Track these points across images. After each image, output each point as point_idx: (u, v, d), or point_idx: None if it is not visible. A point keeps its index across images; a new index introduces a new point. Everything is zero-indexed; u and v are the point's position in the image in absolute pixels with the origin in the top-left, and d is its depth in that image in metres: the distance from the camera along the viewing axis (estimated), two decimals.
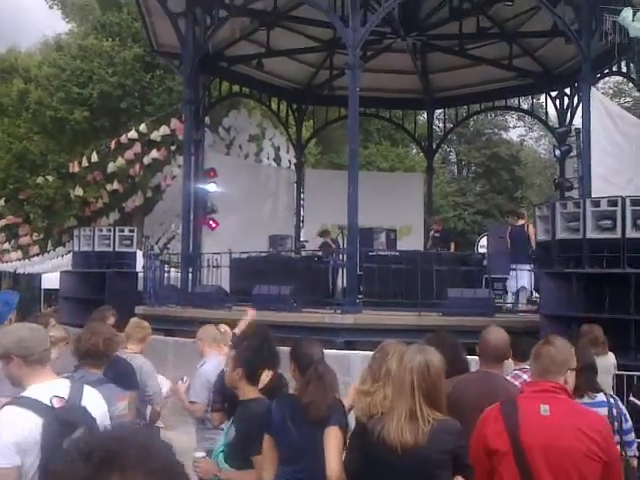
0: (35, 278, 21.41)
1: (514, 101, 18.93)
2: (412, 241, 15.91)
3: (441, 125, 24.50)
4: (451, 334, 4.66)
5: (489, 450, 3.07)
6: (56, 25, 41.06)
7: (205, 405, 5.29)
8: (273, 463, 3.73)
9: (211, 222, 14.99)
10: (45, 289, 19.46)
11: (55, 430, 2.82)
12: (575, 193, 12.61)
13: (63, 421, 2.87)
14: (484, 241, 16.77)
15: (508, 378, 4.51)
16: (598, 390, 4.39)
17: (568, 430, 2.97)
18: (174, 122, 17.31)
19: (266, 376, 4.07)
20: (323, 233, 14.26)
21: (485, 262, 12.11)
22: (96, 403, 3.18)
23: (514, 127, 41.82)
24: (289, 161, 18.96)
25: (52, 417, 2.88)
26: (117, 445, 0.99)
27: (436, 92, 18.32)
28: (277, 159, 19.18)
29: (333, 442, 3.54)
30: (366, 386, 3.92)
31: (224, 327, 5.97)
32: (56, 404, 2.95)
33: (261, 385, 4.46)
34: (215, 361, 5.32)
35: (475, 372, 4.23)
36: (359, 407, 3.85)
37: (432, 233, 14.30)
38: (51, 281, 17.52)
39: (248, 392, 3.87)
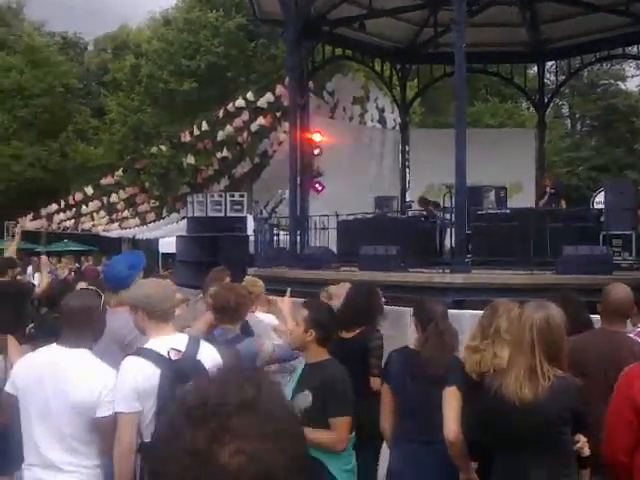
0: (153, 243, 22.50)
1: (632, 49, 17.71)
2: (523, 199, 15.37)
3: (553, 78, 23.37)
4: (574, 292, 4.53)
5: (639, 409, 2.93)
6: (163, 0, 42.23)
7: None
8: (392, 412, 3.80)
9: (317, 185, 15.13)
10: (162, 253, 20.40)
11: (171, 380, 3.04)
12: None
13: (178, 372, 3.06)
14: (600, 197, 15.96)
15: (631, 336, 4.33)
16: None
17: None
18: (279, 88, 17.51)
19: None
20: (422, 201, 13.91)
21: (602, 218, 11.54)
22: (211, 357, 3.33)
23: (632, 76, 39.26)
24: (394, 121, 18.74)
25: (168, 368, 3.11)
26: (227, 407, 0.95)
27: (547, 44, 17.43)
28: (382, 120, 19.01)
29: (452, 402, 3.52)
30: (475, 342, 3.86)
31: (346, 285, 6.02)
32: (173, 356, 3.17)
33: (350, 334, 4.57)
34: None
35: (597, 329, 4.09)
36: (469, 363, 3.81)
37: (547, 189, 13.78)
38: (168, 245, 18.32)
39: (318, 354, 3.70)
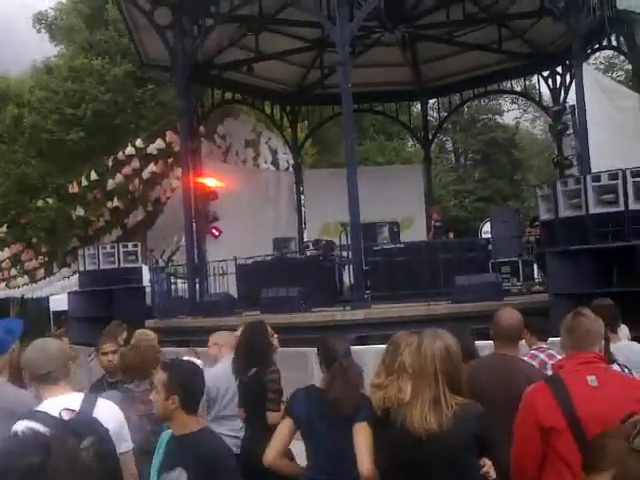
0: (43, 301, 21.50)
1: (507, 84, 18.91)
2: (415, 233, 15.89)
3: (435, 115, 24.48)
4: (459, 324, 4.66)
5: (543, 429, 2.99)
6: (45, 48, 41.06)
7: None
8: (282, 443, 3.74)
9: (214, 230, 15.01)
10: (54, 311, 19.54)
11: (61, 440, 2.86)
12: (575, 171, 12.57)
13: (70, 431, 2.88)
14: (487, 227, 16.73)
15: (525, 359, 4.50)
16: (612, 360, 4.37)
17: (622, 399, 2.89)
18: (169, 134, 17.35)
19: None
20: (315, 243, 14.10)
21: (490, 247, 12.08)
22: (109, 413, 3.25)
23: (508, 110, 41.75)
24: (287, 162, 18.97)
25: (60, 428, 2.94)
26: (12, 473, 0.92)
27: (428, 82, 18.30)
28: (275, 162, 19.19)
29: (363, 438, 3.53)
30: (380, 379, 3.97)
31: (237, 333, 5.96)
32: (65, 416, 3.05)
33: None
34: (226, 365, 5.31)
35: (490, 355, 4.21)
36: (374, 400, 3.89)
37: (433, 223, 14.30)
38: (59, 303, 17.58)
39: (188, 423, 3.24)
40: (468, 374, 3.62)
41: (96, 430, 2.98)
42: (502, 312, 4.22)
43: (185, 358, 5.67)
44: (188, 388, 3.25)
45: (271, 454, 3.76)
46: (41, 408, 3.10)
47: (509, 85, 19.16)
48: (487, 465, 3.29)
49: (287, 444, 3.80)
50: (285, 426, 3.77)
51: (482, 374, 3.88)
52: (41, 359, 3.24)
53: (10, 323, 4.58)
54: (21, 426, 2.93)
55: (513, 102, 40.51)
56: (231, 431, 4.99)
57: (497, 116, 40.94)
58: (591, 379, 3.00)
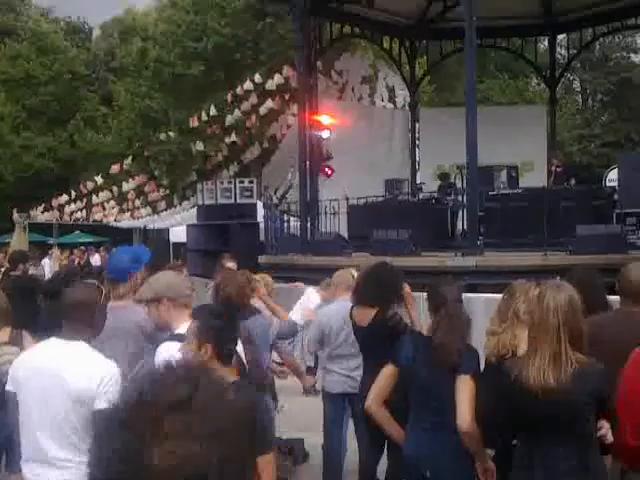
0: (163, 232, 22.50)
1: None
2: (535, 178, 15.19)
3: (564, 52, 23.03)
4: (591, 271, 4.44)
5: None
6: None
7: (315, 345, 5.43)
8: (384, 389, 3.73)
9: (327, 169, 15.03)
10: (173, 242, 20.43)
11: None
12: None
13: None
14: (613, 174, 15.74)
15: None
16: None
17: None
18: (287, 70, 17.36)
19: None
20: (442, 176, 13.91)
21: (616, 196, 11.37)
22: None
23: None
24: (404, 99, 18.55)
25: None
26: (159, 407, 0.92)
27: (558, 15, 17.12)
28: (392, 99, 18.82)
29: (465, 391, 3.47)
30: (494, 326, 3.94)
31: (354, 271, 5.96)
32: None
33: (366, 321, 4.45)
34: (340, 304, 5.33)
35: (615, 311, 4.01)
36: (487, 347, 3.89)
37: (554, 168, 13.62)
38: (178, 235, 18.32)
39: (223, 375, 2.99)
40: (591, 330, 3.47)
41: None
42: (632, 266, 4.00)
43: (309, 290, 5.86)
44: (222, 335, 2.97)
45: (371, 400, 3.79)
46: (181, 331, 3.24)
47: None
48: (605, 428, 3.15)
49: (388, 390, 3.79)
50: (388, 373, 3.76)
51: (604, 331, 3.71)
52: (184, 283, 3.43)
53: (138, 251, 4.79)
54: (167, 350, 3.11)
55: None
56: (344, 369, 5.08)
57: (632, 54, 38.00)
58: None
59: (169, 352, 3.10)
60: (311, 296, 8.39)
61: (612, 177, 15.70)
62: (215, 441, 0.91)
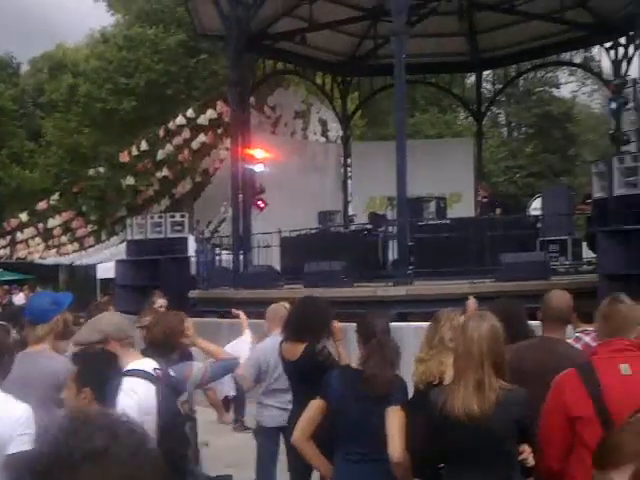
0: (91, 268, 22.00)
1: (566, 56, 18.25)
2: (463, 208, 15.59)
3: (489, 87, 23.91)
4: (514, 300, 4.54)
5: (571, 417, 2.93)
6: (101, 18, 41.64)
7: (252, 381, 5.37)
8: (311, 423, 3.68)
9: (259, 202, 15.02)
10: (101, 279, 19.97)
11: (168, 396, 3.30)
12: (632, 147, 12.09)
13: (171, 387, 3.35)
14: (537, 203, 16.30)
15: (569, 342, 4.34)
16: None
17: None
18: (220, 105, 17.39)
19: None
20: (370, 215, 14.06)
21: (539, 224, 11.75)
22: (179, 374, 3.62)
23: (566, 83, 40.48)
24: (337, 133, 18.81)
25: (162, 384, 3.30)
26: (75, 457, 0.89)
27: (484, 52, 17.79)
28: (324, 133, 19.05)
29: (396, 422, 3.46)
30: (422, 354, 4.04)
31: (287, 305, 5.93)
32: (157, 374, 3.34)
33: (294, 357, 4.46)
34: (274, 339, 5.29)
35: (536, 338, 4.09)
36: (416, 374, 3.97)
37: (480, 199, 14.03)
38: (106, 271, 17.93)
39: None
40: (514, 356, 3.53)
41: (182, 388, 3.36)
42: (553, 293, 4.12)
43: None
44: (101, 379, 3.00)
45: (298, 433, 3.74)
46: (135, 367, 3.30)
47: (568, 57, 18.45)
48: (526, 452, 3.21)
49: (315, 424, 3.74)
50: (316, 406, 3.71)
51: (526, 357, 3.79)
52: (127, 323, 3.49)
53: (60, 295, 4.69)
54: (128, 385, 3.15)
55: (571, 74, 39.25)
56: (281, 404, 5.04)
57: (553, 89, 39.75)
58: (624, 367, 2.92)
59: (133, 386, 3.20)
60: (244, 346, 8.09)
61: (536, 206, 16.25)
62: None
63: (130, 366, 3.32)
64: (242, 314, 7.16)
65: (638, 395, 2.72)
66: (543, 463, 3.06)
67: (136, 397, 3.16)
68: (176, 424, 3.43)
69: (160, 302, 6.49)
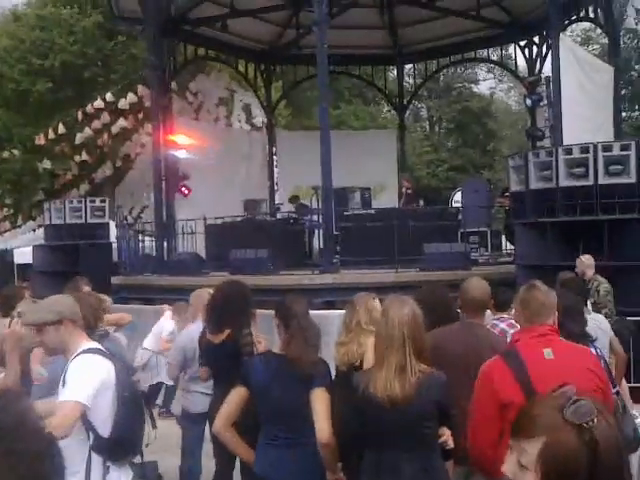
0: (7, 253, 21.15)
1: (483, 53, 18.81)
2: (386, 200, 15.87)
3: (411, 81, 24.36)
4: (437, 287, 4.69)
5: (501, 403, 2.97)
6: None
7: (178, 367, 5.42)
8: (233, 411, 3.69)
9: (183, 189, 14.81)
10: (18, 264, 19.23)
11: (125, 373, 3.44)
12: (547, 142, 12.64)
13: (125, 366, 3.55)
14: (458, 196, 16.81)
15: (489, 327, 4.54)
16: (588, 337, 4.40)
17: (577, 370, 2.93)
18: (141, 89, 16.97)
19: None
20: (292, 199, 14.16)
21: (460, 216, 12.14)
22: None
23: (484, 80, 41.67)
24: (262, 122, 18.72)
25: (118, 362, 3.42)
26: None
27: (405, 47, 18.13)
28: (249, 120, 18.93)
29: (322, 404, 3.48)
30: (341, 338, 4.24)
31: (211, 291, 5.92)
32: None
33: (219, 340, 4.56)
34: (199, 325, 5.28)
35: (457, 323, 4.23)
36: (337, 357, 4.09)
37: (404, 190, 14.34)
38: (24, 256, 17.27)
39: None
40: (434, 342, 3.64)
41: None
42: (470, 282, 4.24)
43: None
44: None
45: (219, 422, 3.71)
46: (91, 346, 3.40)
47: (485, 54, 19.03)
48: (446, 434, 3.32)
49: (237, 413, 3.71)
50: (237, 394, 3.67)
51: (448, 342, 3.90)
52: (78, 306, 3.52)
53: None
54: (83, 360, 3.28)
55: (489, 71, 40.45)
56: (207, 389, 5.05)
57: (472, 85, 40.87)
58: (547, 352, 3.01)
59: (98, 362, 3.29)
60: (165, 324, 8.28)
61: (457, 199, 16.77)
62: (12, 458, 0.92)
63: (85, 346, 3.37)
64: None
65: (563, 378, 2.80)
66: (476, 450, 3.11)
67: (101, 374, 3.26)
68: (135, 400, 3.46)
69: (86, 289, 6.36)
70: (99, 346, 3.46)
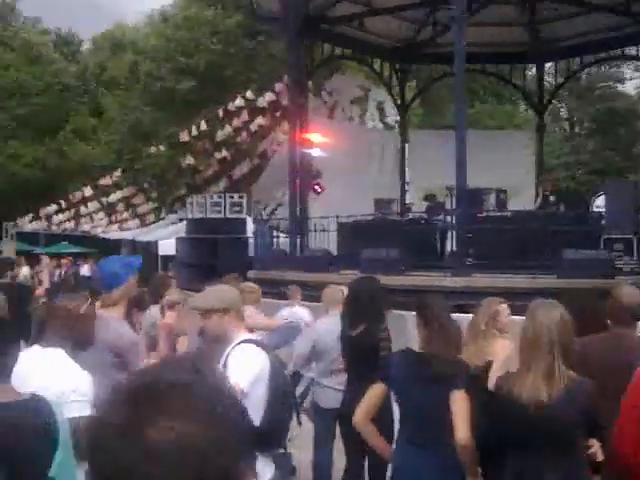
0: (152, 245, 22.44)
1: (631, 50, 17.72)
2: (522, 202, 15.34)
3: (551, 80, 23.38)
4: (588, 294, 4.52)
5: None
6: None
7: (306, 359, 5.55)
8: (372, 406, 3.72)
9: (316, 186, 15.09)
10: (161, 255, 20.35)
11: (278, 367, 3.52)
12: None
13: (276, 358, 3.58)
14: (600, 200, 15.93)
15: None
16: None
17: None
18: (278, 87, 17.48)
19: None
20: (428, 197, 14.01)
21: (603, 222, 11.51)
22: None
23: (631, 79, 39.22)
24: (395, 121, 18.72)
25: (273, 356, 3.52)
26: (160, 387, 0.97)
27: (546, 44, 17.40)
28: (382, 119, 18.98)
29: (462, 406, 3.42)
30: (469, 339, 4.24)
31: (343, 288, 6.01)
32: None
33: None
34: (331, 320, 5.38)
35: (606, 333, 4.04)
36: (466, 355, 3.97)
37: (543, 192, 13.76)
38: (167, 247, 18.25)
39: None
40: (581, 350, 3.50)
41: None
42: (623, 289, 4.03)
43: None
44: None
45: (359, 415, 3.75)
46: (250, 337, 3.53)
47: (634, 51, 17.90)
48: (595, 446, 3.17)
49: (376, 408, 3.74)
50: (377, 389, 3.71)
51: (594, 351, 3.74)
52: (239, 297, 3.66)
53: (127, 258, 4.82)
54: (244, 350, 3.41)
55: (637, 69, 38.03)
56: (339, 384, 5.07)
57: (618, 84, 38.61)
58: None
59: (256, 353, 3.40)
60: (298, 312, 8.37)
61: (599, 203, 15.88)
62: (212, 422, 0.96)
63: (244, 336, 3.50)
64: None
65: None
66: (622, 458, 2.98)
67: (258, 364, 3.38)
68: (286, 392, 3.58)
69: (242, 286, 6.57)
70: (256, 337, 3.59)
